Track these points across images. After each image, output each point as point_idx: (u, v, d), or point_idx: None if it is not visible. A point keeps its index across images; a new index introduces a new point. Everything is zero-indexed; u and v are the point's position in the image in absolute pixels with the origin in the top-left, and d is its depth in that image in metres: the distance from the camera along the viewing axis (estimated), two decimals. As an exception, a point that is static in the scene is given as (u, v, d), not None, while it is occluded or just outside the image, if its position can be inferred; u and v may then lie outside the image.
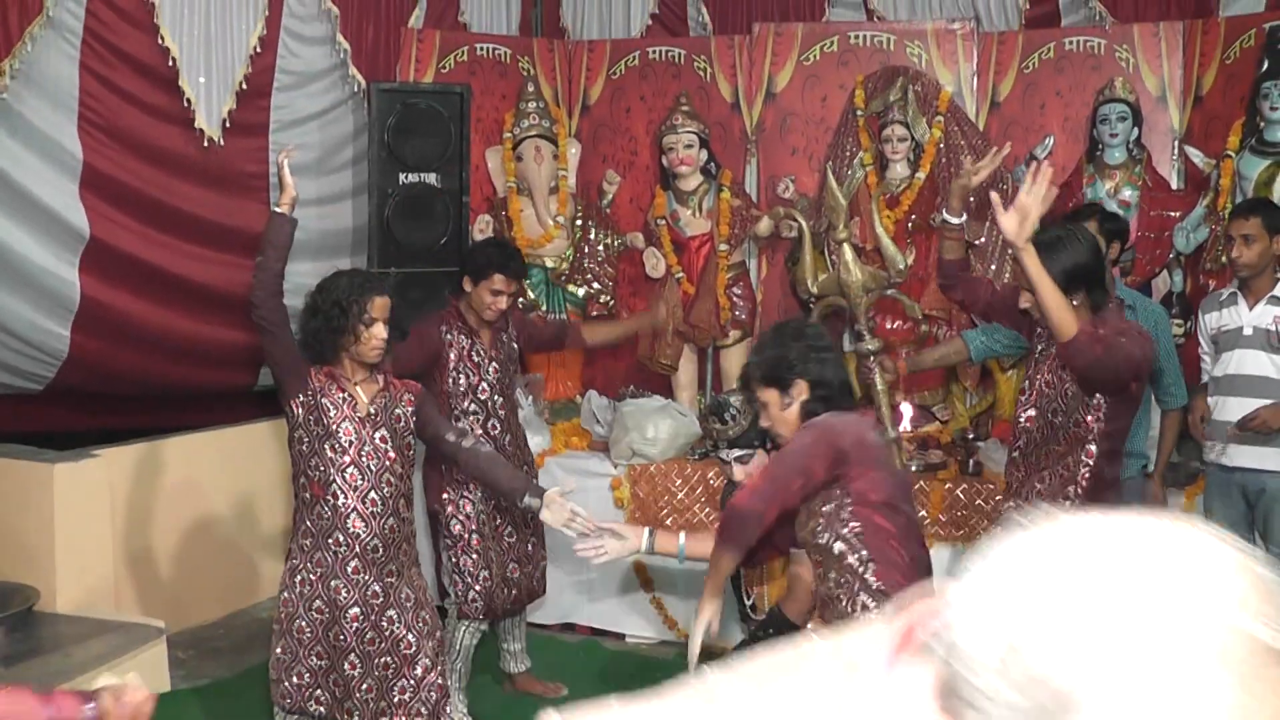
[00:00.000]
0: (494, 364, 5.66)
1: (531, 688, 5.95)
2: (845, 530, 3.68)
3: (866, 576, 3.67)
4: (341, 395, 4.34)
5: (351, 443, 4.31)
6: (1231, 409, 5.19)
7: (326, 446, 4.31)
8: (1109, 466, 4.33)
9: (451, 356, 5.55)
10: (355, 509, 4.33)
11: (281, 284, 4.46)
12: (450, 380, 5.55)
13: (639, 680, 6.03)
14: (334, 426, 4.30)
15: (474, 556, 5.51)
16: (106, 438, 6.48)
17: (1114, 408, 4.25)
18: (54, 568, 5.88)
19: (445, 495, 5.52)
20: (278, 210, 4.47)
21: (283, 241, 4.45)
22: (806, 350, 3.85)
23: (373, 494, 4.34)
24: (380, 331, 4.34)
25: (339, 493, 4.32)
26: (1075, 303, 4.20)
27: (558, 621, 6.75)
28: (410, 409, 4.48)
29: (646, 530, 4.39)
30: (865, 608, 3.68)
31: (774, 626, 4.66)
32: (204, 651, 6.39)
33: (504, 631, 5.94)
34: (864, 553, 3.67)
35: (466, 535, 5.52)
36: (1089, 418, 4.24)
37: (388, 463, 4.37)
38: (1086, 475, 4.29)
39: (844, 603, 3.73)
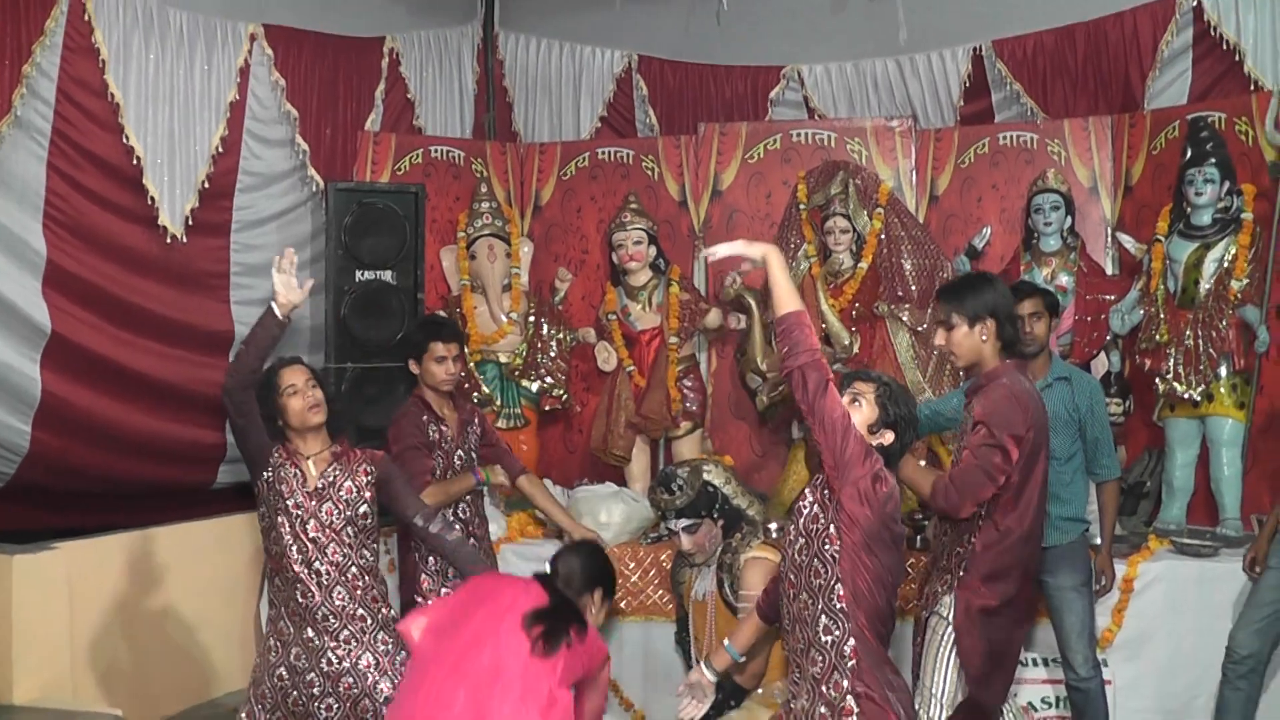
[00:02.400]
0: (459, 450, 5.80)
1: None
2: (825, 550, 3.81)
3: (833, 594, 3.79)
4: (294, 470, 4.55)
5: (299, 516, 4.50)
6: None
7: (279, 520, 4.52)
8: (993, 549, 4.53)
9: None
10: (302, 580, 4.50)
11: (256, 379, 4.60)
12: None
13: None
14: (284, 501, 4.51)
15: None
16: (66, 535, 6.50)
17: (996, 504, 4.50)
18: (11, 660, 5.90)
19: (424, 585, 5.59)
20: (274, 309, 4.50)
21: (267, 342, 4.56)
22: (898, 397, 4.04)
23: (319, 565, 4.50)
24: (300, 399, 4.56)
25: (289, 565, 4.51)
26: (984, 337, 4.54)
27: (516, 706, 6.76)
28: (366, 479, 4.61)
29: (704, 665, 4.55)
30: (827, 630, 3.79)
31: (723, 691, 4.75)
32: (162, 745, 6.39)
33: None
34: (834, 573, 3.79)
35: None
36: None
37: (333, 534, 4.52)
38: (967, 562, 4.55)
39: (810, 627, 3.83)
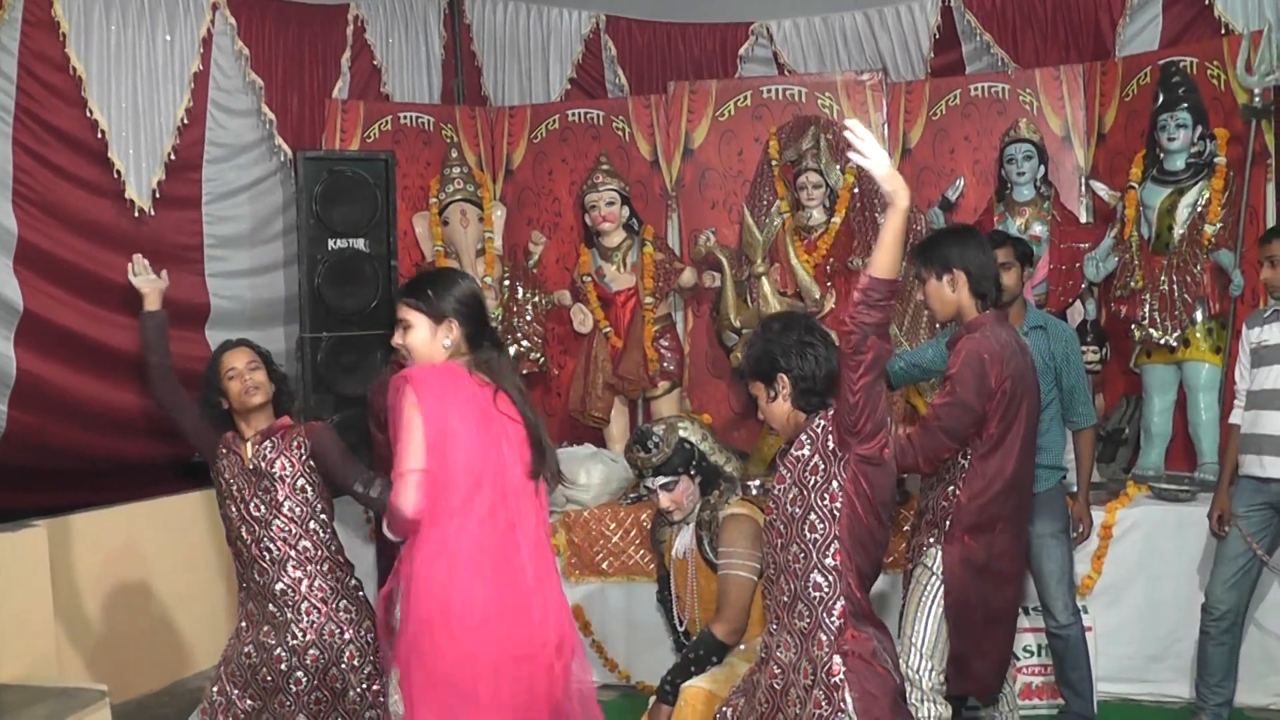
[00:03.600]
0: None
1: (475, 731, 5.97)
2: (824, 503, 3.77)
3: (826, 554, 3.76)
4: (235, 456, 4.61)
5: (241, 498, 4.55)
6: (1268, 422, 5.32)
7: (227, 504, 4.60)
8: (976, 500, 4.52)
9: None
10: (256, 559, 4.54)
11: (167, 373, 4.82)
12: None
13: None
14: (228, 486, 4.59)
15: None
16: (47, 514, 6.48)
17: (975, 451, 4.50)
18: (-5, 637, 5.91)
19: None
20: (144, 310, 4.94)
21: (155, 337, 4.91)
22: (790, 345, 3.92)
23: (267, 543, 4.53)
24: (243, 379, 4.60)
25: (242, 547, 4.58)
26: (953, 289, 4.57)
27: (501, 670, 6.78)
28: (300, 453, 4.58)
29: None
30: (817, 587, 3.77)
31: (705, 647, 4.77)
32: (146, 719, 6.39)
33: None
34: (831, 530, 3.76)
35: None
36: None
37: (275, 512, 4.53)
38: (952, 514, 4.53)
39: (800, 579, 3.80)
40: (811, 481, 3.79)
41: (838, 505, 3.74)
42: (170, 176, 6.61)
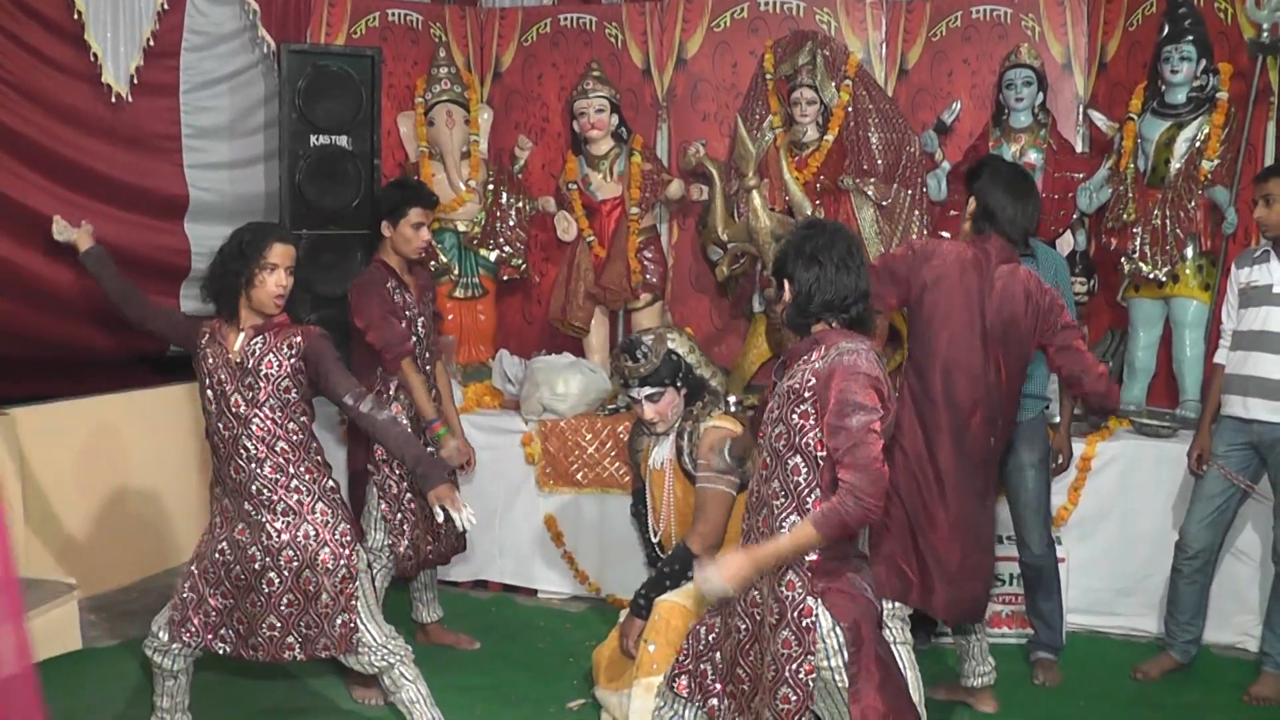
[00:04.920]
0: (421, 317, 5.72)
1: (443, 639, 5.99)
2: (809, 448, 3.64)
3: (807, 501, 3.64)
4: (219, 346, 4.47)
5: (221, 390, 4.44)
6: (1255, 364, 5.30)
7: (206, 394, 4.49)
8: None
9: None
10: (234, 456, 4.45)
11: (126, 295, 4.97)
12: None
13: (551, 634, 6.19)
14: (209, 377, 4.46)
15: (409, 512, 5.57)
16: (18, 403, 6.39)
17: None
18: (-38, 527, 5.85)
19: (379, 454, 5.52)
20: (80, 253, 5.13)
21: (95, 274, 5.13)
22: (803, 253, 3.76)
23: (245, 440, 4.43)
24: (280, 279, 4.44)
25: (220, 442, 4.49)
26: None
27: (470, 579, 6.82)
28: (290, 353, 4.45)
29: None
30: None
31: (680, 562, 4.74)
32: (115, 614, 6.34)
33: (416, 580, 5.96)
34: (815, 478, 3.64)
35: (399, 491, 5.56)
36: None
37: (256, 409, 4.42)
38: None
39: (777, 515, 3.70)
40: (799, 425, 3.65)
41: (822, 455, 3.61)
42: (148, 63, 6.44)
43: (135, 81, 6.38)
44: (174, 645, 4.55)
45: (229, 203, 6.96)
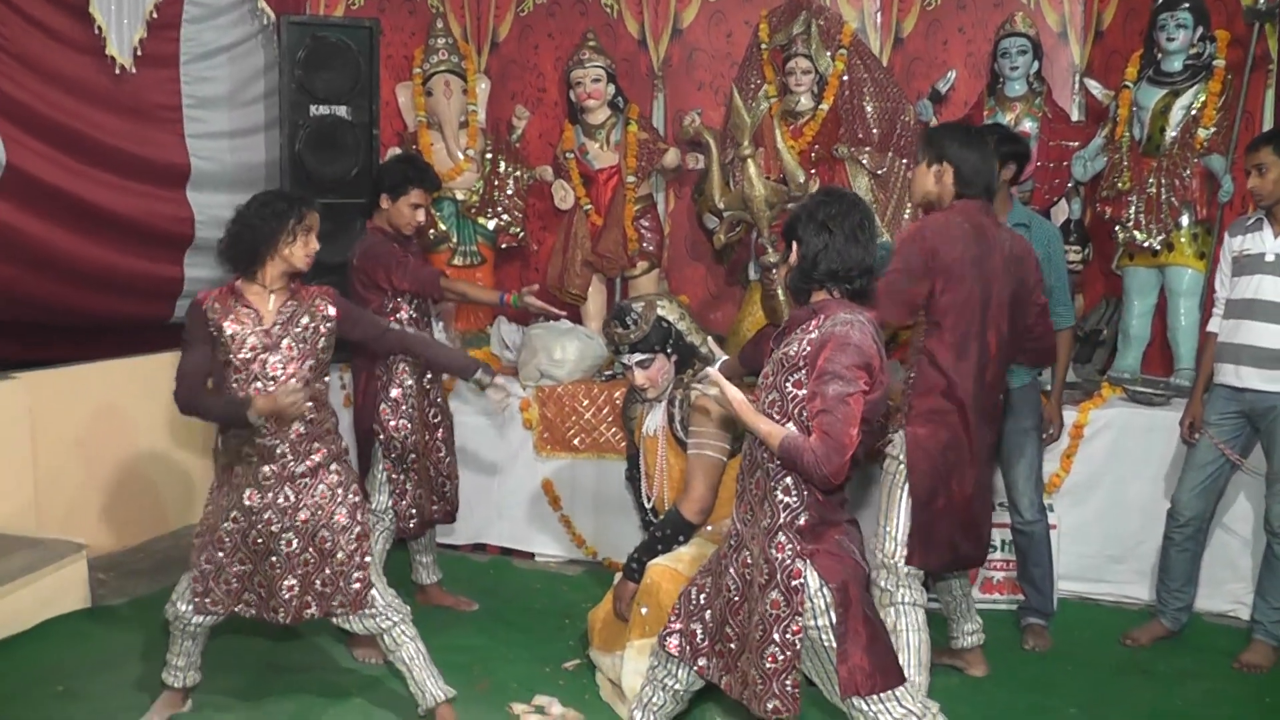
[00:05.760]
0: None
1: (443, 600, 6.07)
2: (802, 416, 3.68)
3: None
4: (247, 310, 4.46)
5: (256, 355, 4.42)
6: (1247, 333, 5.34)
7: (236, 362, 4.43)
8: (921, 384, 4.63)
9: None
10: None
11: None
12: None
13: (548, 597, 6.24)
14: (236, 344, 4.42)
15: (412, 474, 5.66)
16: (26, 367, 6.47)
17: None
18: (-27, 487, 5.96)
19: (384, 415, 5.62)
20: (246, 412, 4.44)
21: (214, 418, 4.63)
22: (815, 220, 3.79)
23: None
24: (307, 246, 4.50)
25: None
26: (935, 181, 4.70)
27: (469, 542, 6.91)
28: (322, 315, 4.54)
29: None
30: (787, 491, 3.74)
31: (672, 527, 4.81)
32: (123, 573, 6.44)
33: (416, 542, 6.05)
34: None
35: (404, 453, 5.63)
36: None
37: (292, 370, 4.46)
38: (916, 364, 4.65)
39: (770, 478, 3.77)
40: (792, 394, 3.71)
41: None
42: (150, 35, 6.50)
43: (139, 53, 6.44)
44: (197, 618, 4.62)
45: (230, 171, 7.04)
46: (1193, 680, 5.28)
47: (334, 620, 4.65)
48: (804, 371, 3.66)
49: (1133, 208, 6.37)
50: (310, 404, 4.51)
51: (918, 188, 4.78)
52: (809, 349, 3.67)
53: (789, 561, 3.70)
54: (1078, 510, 6.10)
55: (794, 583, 3.68)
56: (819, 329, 3.69)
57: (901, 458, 4.60)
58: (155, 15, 6.51)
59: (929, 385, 4.59)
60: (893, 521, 4.62)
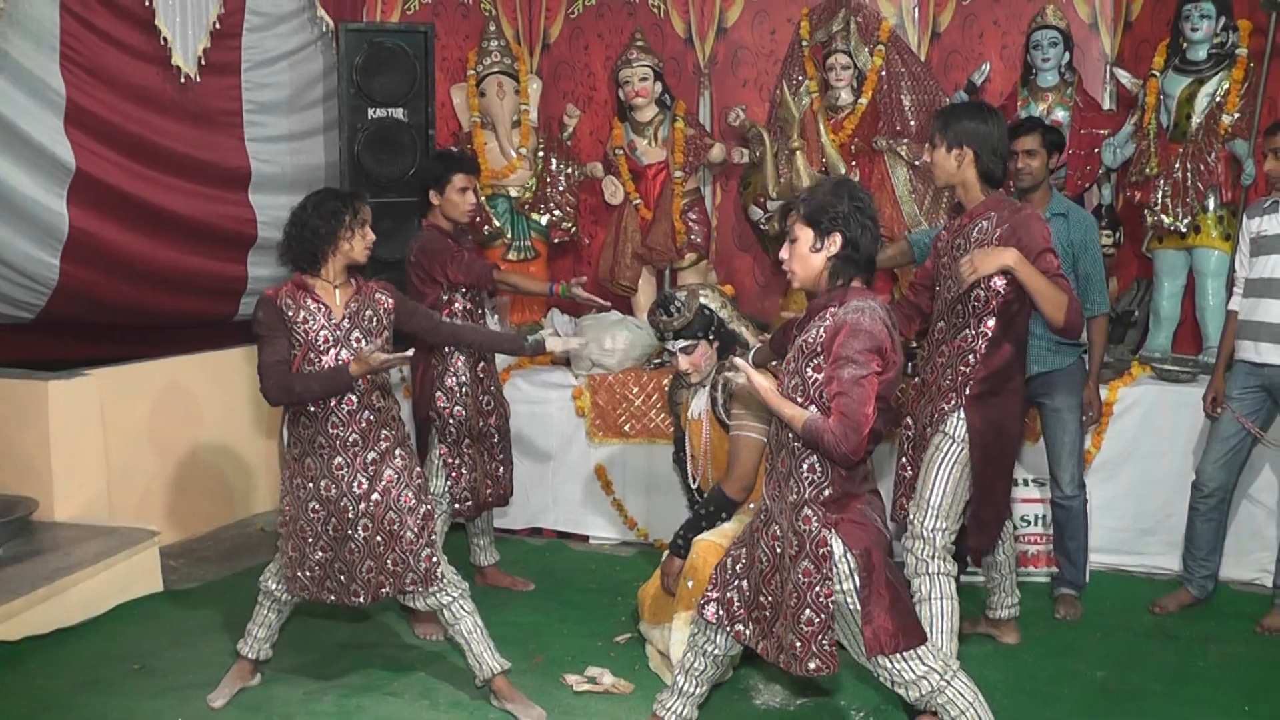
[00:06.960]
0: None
1: (500, 581, 6.29)
2: (823, 400, 3.87)
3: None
4: (316, 305, 4.66)
5: (327, 348, 4.62)
6: (1265, 310, 5.51)
7: (309, 358, 4.62)
8: (1006, 336, 4.68)
9: None
10: (334, 412, 4.65)
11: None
12: None
13: (601, 576, 6.39)
14: (310, 339, 4.62)
15: (467, 458, 5.88)
16: (98, 365, 6.72)
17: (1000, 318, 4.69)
18: (51, 480, 6.23)
19: (440, 403, 5.83)
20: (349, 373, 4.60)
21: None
22: (855, 210, 3.99)
23: (349, 394, 4.65)
24: (370, 233, 4.76)
25: (319, 402, 4.65)
26: (959, 164, 4.75)
27: (525, 526, 7.14)
28: (382, 308, 4.80)
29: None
30: (812, 469, 3.95)
31: (715, 504, 5.02)
32: (193, 560, 6.72)
33: (474, 525, 6.27)
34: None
35: (459, 438, 5.86)
36: (988, 292, 4.63)
37: None
38: (984, 346, 4.66)
39: (796, 456, 3.97)
40: (812, 379, 3.92)
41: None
42: (212, 44, 6.75)
43: (202, 62, 6.70)
44: (285, 595, 4.89)
45: (290, 174, 7.29)
46: (1215, 644, 5.44)
47: (400, 598, 4.83)
48: (821, 356, 3.88)
49: (1160, 192, 6.51)
50: (377, 392, 4.74)
51: (941, 173, 4.83)
52: (824, 335, 3.88)
53: (816, 532, 3.91)
54: (1109, 485, 6.26)
55: (822, 550, 3.89)
56: (833, 317, 3.91)
57: (959, 438, 4.69)
58: (218, 25, 6.75)
59: (994, 367, 4.67)
60: (936, 495, 4.69)
